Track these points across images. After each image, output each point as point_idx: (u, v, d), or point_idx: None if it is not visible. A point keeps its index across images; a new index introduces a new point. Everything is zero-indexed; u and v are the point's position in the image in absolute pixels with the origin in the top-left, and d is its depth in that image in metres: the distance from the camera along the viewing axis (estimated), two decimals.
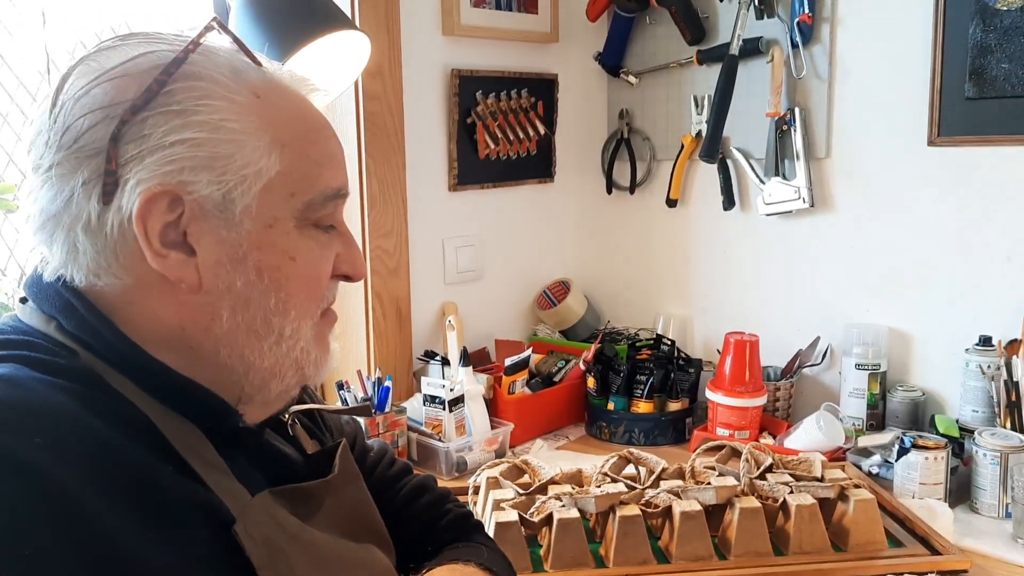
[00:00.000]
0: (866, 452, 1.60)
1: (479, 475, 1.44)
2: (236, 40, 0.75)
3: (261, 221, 0.70)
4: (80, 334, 0.69)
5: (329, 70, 1.42)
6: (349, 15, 1.68)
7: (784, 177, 1.86)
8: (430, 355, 1.88)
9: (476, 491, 1.44)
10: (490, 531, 1.23)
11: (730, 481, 1.34)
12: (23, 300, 0.73)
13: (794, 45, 1.81)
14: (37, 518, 0.56)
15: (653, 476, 1.36)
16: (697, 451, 1.47)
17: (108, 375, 0.68)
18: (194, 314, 0.70)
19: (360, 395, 1.63)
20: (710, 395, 1.78)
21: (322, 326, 0.77)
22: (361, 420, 1.57)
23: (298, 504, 0.76)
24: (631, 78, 2.10)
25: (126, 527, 0.60)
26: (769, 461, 1.39)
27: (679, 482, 1.37)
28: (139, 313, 0.70)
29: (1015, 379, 1.50)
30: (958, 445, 1.54)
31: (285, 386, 0.76)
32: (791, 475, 1.37)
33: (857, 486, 1.35)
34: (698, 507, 1.28)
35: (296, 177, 0.71)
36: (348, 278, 0.79)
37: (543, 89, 2.10)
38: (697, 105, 2.00)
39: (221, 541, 0.65)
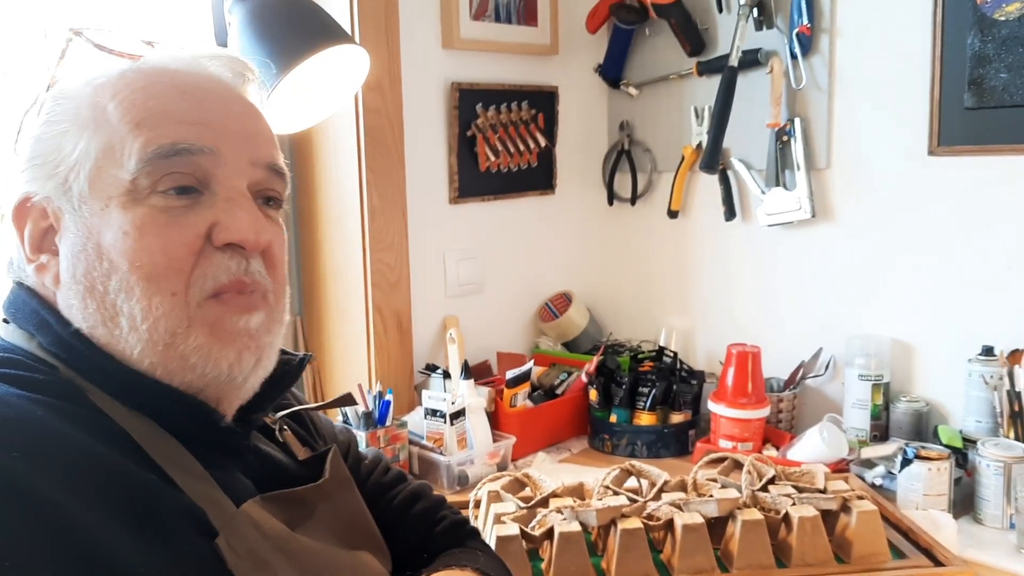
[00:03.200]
0: (869, 463, 1.59)
1: (480, 489, 1.44)
2: (96, 44, 0.78)
3: (97, 203, 0.70)
4: (57, 350, 0.71)
5: (329, 85, 1.43)
6: (349, 29, 1.68)
7: (785, 187, 1.86)
8: (431, 368, 1.88)
9: (477, 505, 1.43)
10: (491, 545, 1.23)
11: (732, 493, 1.33)
12: (5, 320, 0.75)
13: (793, 56, 1.81)
14: (17, 527, 0.57)
15: (655, 489, 1.36)
16: (699, 463, 1.47)
17: (88, 389, 0.69)
18: (72, 312, 0.71)
19: (361, 409, 1.62)
20: (712, 407, 1.78)
21: (211, 307, 0.70)
22: (363, 434, 1.58)
23: (290, 510, 0.76)
24: (631, 90, 2.11)
25: (110, 534, 0.60)
26: (772, 473, 1.39)
27: (681, 495, 1.36)
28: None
29: (1017, 389, 1.49)
30: (961, 456, 1.54)
31: (188, 383, 0.71)
32: (794, 487, 1.37)
33: (860, 497, 1.34)
34: (700, 520, 1.27)
35: (118, 148, 0.69)
36: (235, 246, 0.71)
37: (543, 101, 2.10)
38: (697, 116, 2.00)
39: (206, 550, 0.66)
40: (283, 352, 0.84)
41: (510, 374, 1.83)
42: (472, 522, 1.22)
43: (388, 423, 1.64)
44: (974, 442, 1.51)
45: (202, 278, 0.70)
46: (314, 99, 1.43)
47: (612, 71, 2.12)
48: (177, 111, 0.71)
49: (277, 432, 0.87)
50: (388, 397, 1.65)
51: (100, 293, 0.69)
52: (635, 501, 1.33)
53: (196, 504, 0.67)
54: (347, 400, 0.99)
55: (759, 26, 1.84)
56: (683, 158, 2.03)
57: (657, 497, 1.34)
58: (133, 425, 0.68)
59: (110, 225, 0.69)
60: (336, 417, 1.66)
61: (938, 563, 1.28)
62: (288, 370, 0.83)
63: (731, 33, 1.86)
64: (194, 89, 0.73)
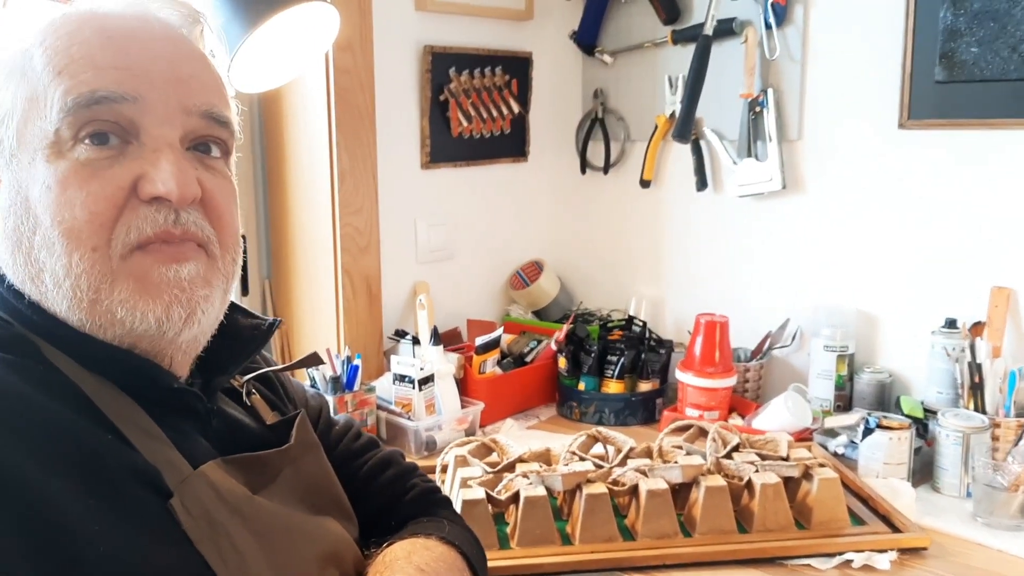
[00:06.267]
0: (832, 432, 1.61)
1: (447, 453, 1.44)
2: None
3: (26, 156, 0.68)
4: (3, 309, 0.70)
5: (298, 43, 1.40)
6: None
7: (756, 158, 1.87)
8: (401, 334, 1.88)
9: (444, 469, 1.44)
10: (457, 509, 1.23)
11: (696, 460, 1.35)
12: None
13: (768, 26, 1.81)
14: None
15: (621, 455, 1.37)
16: (665, 431, 1.48)
17: (42, 346, 0.68)
18: (6, 269, 0.70)
19: (329, 373, 1.62)
20: (680, 376, 1.79)
21: (137, 259, 0.68)
22: (330, 399, 1.57)
23: (253, 474, 0.75)
24: (606, 57, 2.10)
25: (66, 494, 0.60)
26: (736, 440, 1.40)
27: (646, 461, 1.37)
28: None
29: (978, 361, 1.52)
30: (922, 426, 1.56)
31: (119, 338, 0.69)
32: (757, 454, 1.39)
33: (822, 465, 1.36)
34: (664, 485, 1.29)
35: (41, 98, 0.67)
36: (163, 200, 0.68)
37: (517, 67, 2.08)
38: (671, 85, 1.99)
39: (163, 510, 0.65)
40: (252, 316, 0.84)
41: (479, 341, 1.82)
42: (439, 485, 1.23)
43: (356, 388, 1.64)
44: (935, 413, 1.53)
45: (125, 230, 0.67)
46: (283, 58, 1.40)
47: (587, 38, 2.10)
48: (99, 57, 0.68)
49: (244, 396, 0.86)
50: (356, 362, 1.65)
51: (26, 249, 0.68)
52: (601, 467, 1.34)
53: (151, 464, 0.66)
54: (313, 360, 0.97)
55: None
56: (656, 127, 2.02)
57: (623, 463, 1.35)
58: (88, 383, 0.67)
59: (36, 179, 0.67)
60: (304, 380, 1.65)
61: (896, 530, 1.31)
62: (256, 335, 0.82)
63: (706, 1, 1.85)
64: (121, 33, 0.70)
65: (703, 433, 1.45)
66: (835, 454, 1.57)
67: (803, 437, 1.63)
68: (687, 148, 1.97)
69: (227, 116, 0.74)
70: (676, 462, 1.34)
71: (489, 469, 1.34)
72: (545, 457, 1.40)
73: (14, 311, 0.69)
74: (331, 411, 1.05)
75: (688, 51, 1.90)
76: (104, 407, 0.67)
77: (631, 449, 1.38)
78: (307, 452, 0.85)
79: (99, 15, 0.71)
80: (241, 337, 0.80)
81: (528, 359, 1.95)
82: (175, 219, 0.69)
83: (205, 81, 0.73)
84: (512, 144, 2.13)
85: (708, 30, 1.84)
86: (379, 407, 1.68)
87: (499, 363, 1.88)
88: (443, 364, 1.73)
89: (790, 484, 1.34)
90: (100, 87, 0.67)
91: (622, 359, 1.85)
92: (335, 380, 1.61)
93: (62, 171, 0.66)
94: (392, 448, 1.04)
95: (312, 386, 1.62)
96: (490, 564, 1.17)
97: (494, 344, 1.85)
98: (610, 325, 2.00)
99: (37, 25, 0.70)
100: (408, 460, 1.04)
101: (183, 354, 0.74)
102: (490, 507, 1.26)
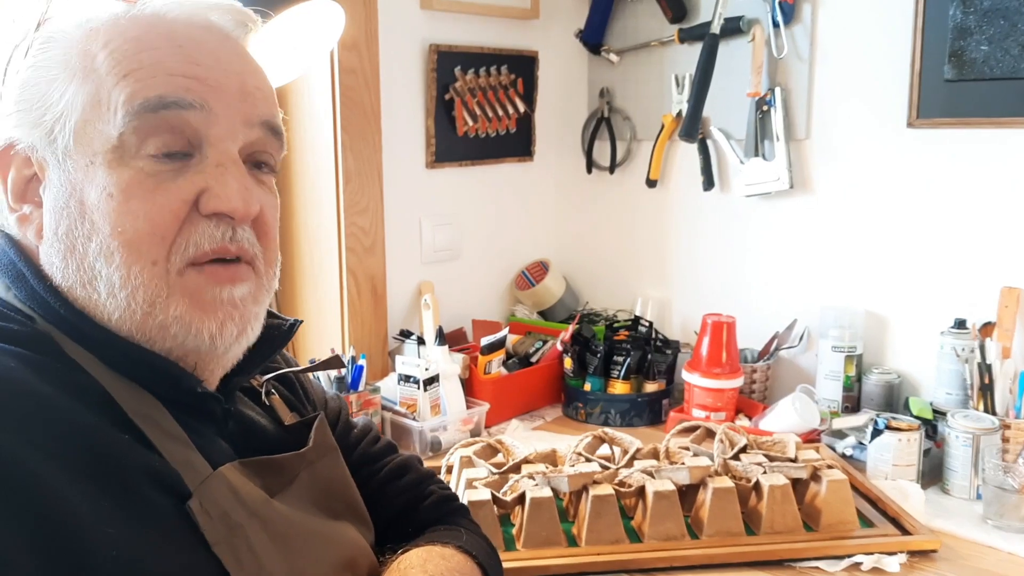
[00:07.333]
0: (841, 434, 1.60)
1: (452, 454, 1.43)
2: None
3: (83, 159, 0.66)
4: (32, 304, 0.69)
5: (303, 42, 1.40)
6: None
7: (764, 158, 1.85)
8: (406, 334, 1.87)
9: (449, 470, 1.43)
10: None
11: (704, 461, 1.34)
12: None
13: (775, 24, 1.79)
14: None
15: (627, 456, 1.36)
16: (672, 432, 1.47)
17: (63, 343, 0.67)
18: (54, 270, 0.69)
19: (334, 374, 1.61)
20: (687, 376, 1.78)
21: (192, 277, 0.68)
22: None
23: (269, 477, 0.74)
24: (612, 56, 2.09)
25: (78, 495, 0.59)
26: (743, 442, 1.39)
27: (653, 462, 1.36)
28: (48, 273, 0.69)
29: (988, 361, 1.50)
30: (931, 427, 1.55)
31: (168, 350, 0.69)
32: (765, 455, 1.37)
33: (830, 467, 1.35)
34: (671, 487, 1.28)
35: (104, 100, 0.66)
36: (223, 215, 0.68)
37: (523, 66, 2.08)
38: (678, 84, 1.98)
39: (178, 512, 0.64)
40: (272, 315, 0.82)
41: (485, 341, 1.82)
42: None
43: (361, 388, 1.63)
44: (944, 414, 1.52)
45: (184, 245, 0.67)
46: (288, 56, 1.39)
47: (593, 37, 2.09)
48: (169, 63, 0.67)
49: (263, 396, 0.85)
50: (361, 362, 1.64)
51: (80, 254, 0.67)
52: (607, 468, 1.33)
53: (170, 465, 0.65)
54: (335, 363, 0.97)
55: None
56: (663, 126, 2.01)
57: (629, 464, 1.35)
58: (111, 382, 0.66)
59: (94, 183, 0.66)
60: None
61: (905, 532, 1.30)
62: (276, 335, 0.81)
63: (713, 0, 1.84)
64: (190, 42, 0.69)
65: (710, 434, 1.44)
66: (843, 455, 1.56)
67: (811, 438, 1.62)
68: (694, 147, 1.96)
69: (282, 127, 0.75)
70: (683, 463, 1.33)
71: (495, 470, 1.34)
72: (551, 458, 1.39)
73: (43, 305, 0.68)
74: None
75: (695, 50, 1.89)
76: (126, 406, 0.66)
77: (638, 450, 1.37)
78: (325, 455, 0.84)
79: (166, 20, 0.70)
80: (261, 337, 0.79)
81: (534, 360, 1.94)
82: (231, 236, 0.69)
83: (266, 93, 0.74)
84: (518, 144, 2.12)
85: (715, 28, 1.83)
86: (384, 408, 1.67)
87: (504, 363, 1.87)
88: (448, 364, 1.72)
89: (798, 486, 1.33)
90: (168, 93, 0.66)
91: (628, 360, 1.84)
92: (340, 380, 1.61)
93: (125, 180, 0.66)
94: (410, 453, 1.03)
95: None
96: None
97: (499, 344, 1.84)
98: (616, 325, 1.99)
99: (97, 23, 0.69)
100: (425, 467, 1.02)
101: (222, 368, 0.75)
102: (496, 508, 1.25)
